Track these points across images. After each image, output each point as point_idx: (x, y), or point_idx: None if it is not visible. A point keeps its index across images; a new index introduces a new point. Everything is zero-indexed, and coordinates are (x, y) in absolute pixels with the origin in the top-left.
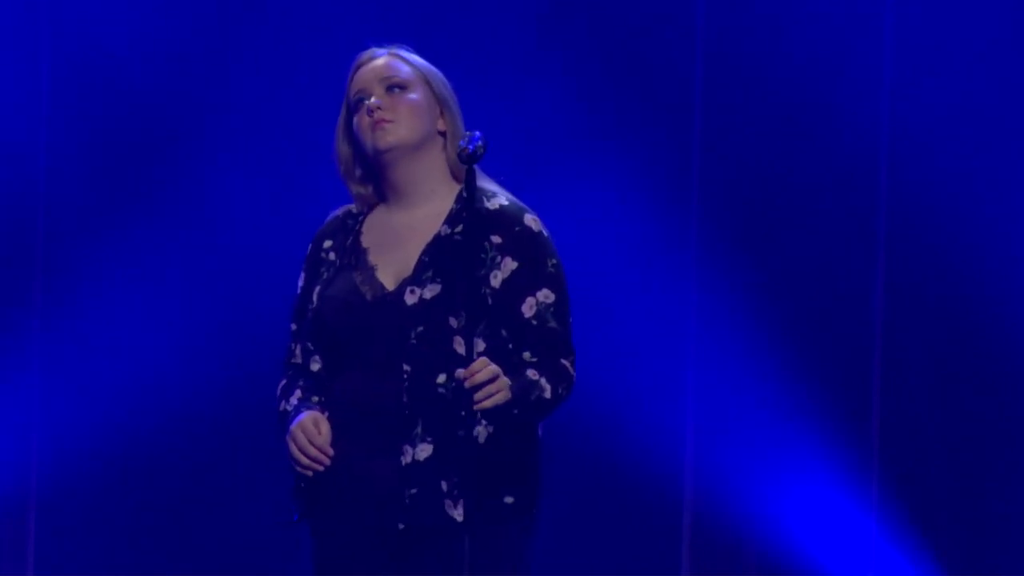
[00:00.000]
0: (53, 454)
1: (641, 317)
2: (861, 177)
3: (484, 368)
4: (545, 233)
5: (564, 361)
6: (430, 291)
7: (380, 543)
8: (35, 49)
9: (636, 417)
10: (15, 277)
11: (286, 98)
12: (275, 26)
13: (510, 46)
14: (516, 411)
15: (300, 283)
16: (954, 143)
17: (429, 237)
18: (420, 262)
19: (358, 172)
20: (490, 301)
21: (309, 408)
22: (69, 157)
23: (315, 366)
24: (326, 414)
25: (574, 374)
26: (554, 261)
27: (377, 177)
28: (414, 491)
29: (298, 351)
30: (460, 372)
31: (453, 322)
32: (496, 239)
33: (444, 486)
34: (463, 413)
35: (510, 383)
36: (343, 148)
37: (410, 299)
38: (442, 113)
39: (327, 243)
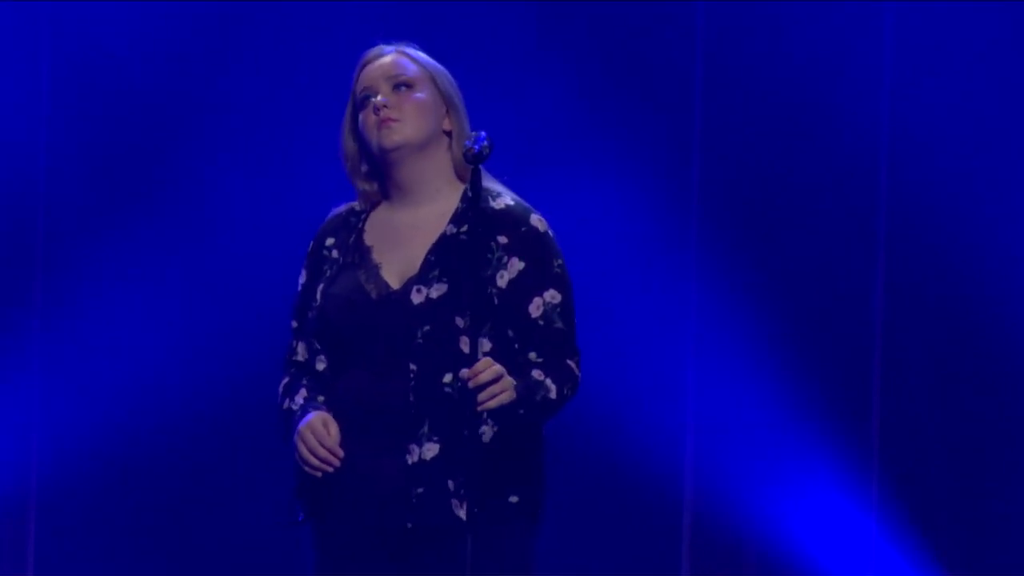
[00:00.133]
0: (53, 454)
1: (641, 317)
2: (861, 177)
3: (488, 368)
4: (551, 233)
5: (570, 362)
6: (436, 290)
7: (385, 542)
8: (35, 49)
9: (636, 417)
10: (15, 277)
11: (286, 98)
12: (275, 26)
13: (510, 46)
14: (521, 411)
15: (301, 280)
16: (954, 143)
17: (434, 236)
18: (426, 261)
19: (363, 169)
20: (496, 301)
21: (316, 408)
22: (69, 157)
23: (320, 365)
24: (330, 414)
25: (579, 375)
26: (560, 261)
27: (382, 175)
28: (420, 490)
29: (300, 349)
30: (464, 372)
31: (459, 322)
32: (502, 239)
33: (451, 485)
34: (469, 413)
35: (515, 383)
36: (349, 145)
37: (416, 298)
38: (448, 112)
39: (329, 240)
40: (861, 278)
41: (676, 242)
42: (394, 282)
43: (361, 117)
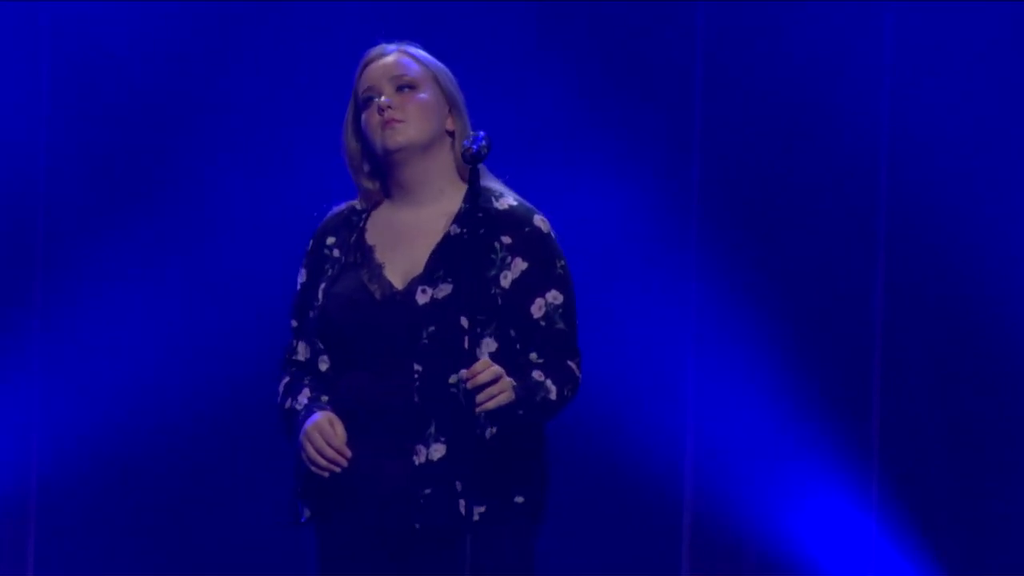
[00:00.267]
0: (53, 454)
1: (641, 317)
2: (861, 177)
3: (486, 369)
4: (553, 234)
5: (570, 363)
6: (441, 291)
7: (389, 543)
8: (35, 49)
9: (636, 417)
10: (15, 277)
11: (286, 98)
12: (275, 26)
13: (510, 46)
14: (521, 412)
15: (300, 279)
16: (954, 143)
17: (437, 236)
18: (431, 262)
19: (366, 168)
20: (500, 301)
21: (321, 408)
22: (69, 157)
23: (323, 365)
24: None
25: (580, 376)
26: (562, 262)
27: (384, 174)
28: (428, 491)
29: (301, 348)
30: (463, 373)
31: (465, 322)
32: (506, 239)
33: (458, 486)
34: (471, 413)
35: (514, 384)
36: (351, 144)
37: (421, 299)
38: (451, 112)
39: (330, 239)
40: (861, 278)
41: (676, 242)
42: (398, 282)
43: (364, 117)
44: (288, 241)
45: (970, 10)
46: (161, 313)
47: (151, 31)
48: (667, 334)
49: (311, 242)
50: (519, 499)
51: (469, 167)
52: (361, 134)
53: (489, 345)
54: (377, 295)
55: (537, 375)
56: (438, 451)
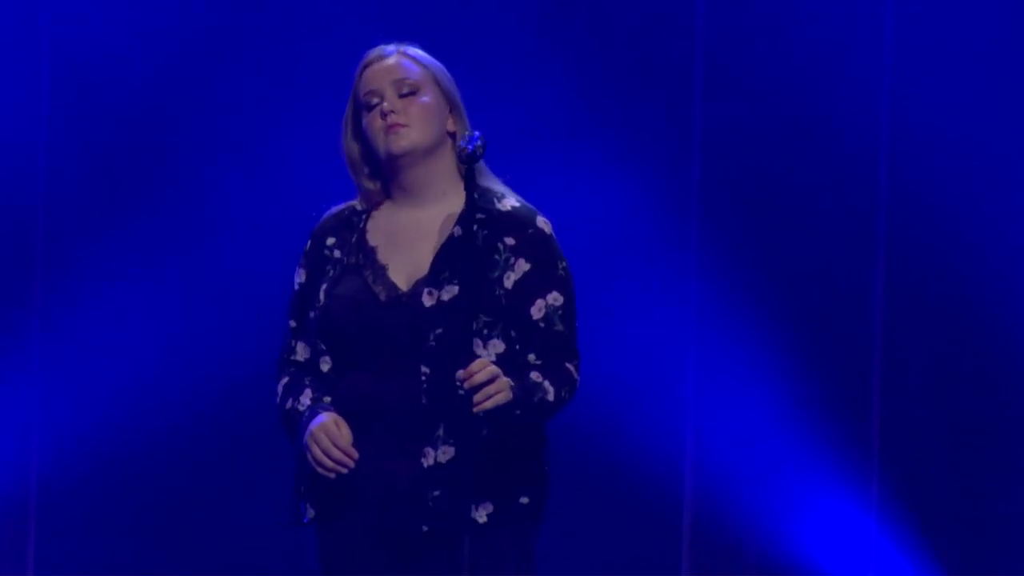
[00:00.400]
0: (53, 454)
1: (641, 317)
2: (861, 177)
3: (483, 369)
4: (554, 236)
5: (569, 365)
6: (448, 293)
7: (393, 544)
8: (35, 49)
9: (636, 417)
10: (15, 277)
11: (286, 98)
12: (275, 25)
13: (510, 46)
14: (519, 412)
15: (299, 280)
16: (954, 143)
17: (440, 238)
18: (436, 263)
19: (367, 169)
20: (504, 302)
21: (325, 409)
22: (69, 157)
23: (324, 366)
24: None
25: (578, 378)
26: (564, 264)
27: (386, 176)
28: (437, 493)
29: (300, 349)
30: (460, 373)
31: (473, 324)
32: (509, 240)
33: (466, 488)
34: (467, 414)
35: (511, 384)
36: (352, 146)
37: (428, 301)
38: (451, 112)
39: (330, 240)
40: (861, 278)
41: (676, 242)
42: (402, 284)
43: (367, 120)
44: (288, 241)
45: (970, 10)
46: (161, 313)
47: (151, 31)
48: (667, 334)
49: (309, 242)
50: (523, 500)
51: (464, 167)
52: (362, 135)
53: (496, 347)
54: (382, 297)
55: (535, 376)
56: (446, 453)
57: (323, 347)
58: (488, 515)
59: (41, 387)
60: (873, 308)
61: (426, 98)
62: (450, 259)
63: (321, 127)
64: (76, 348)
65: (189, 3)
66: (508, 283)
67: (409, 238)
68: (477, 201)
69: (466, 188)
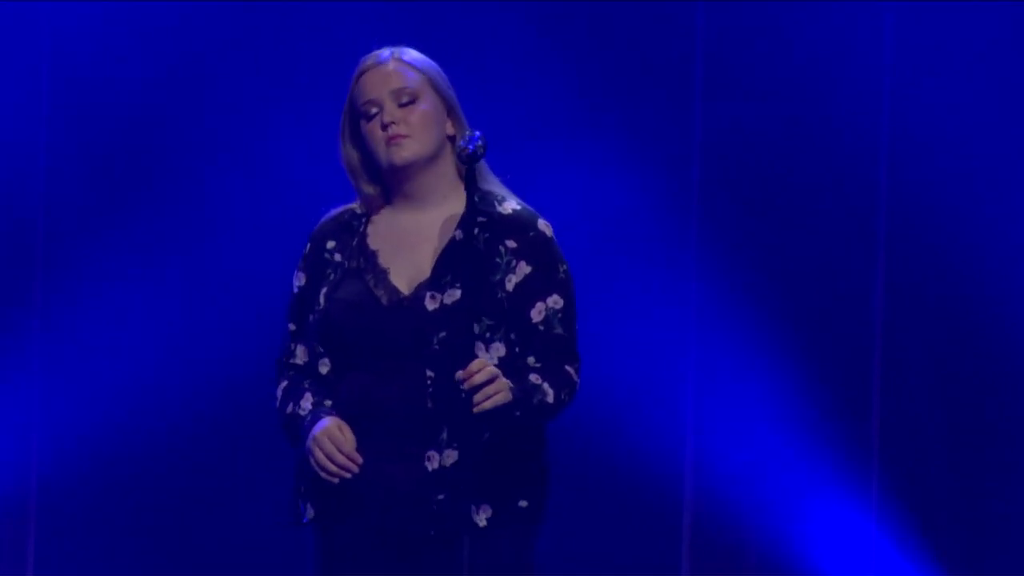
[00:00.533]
0: (53, 454)
1: (641, 317)
2: (861, 177)
3: (482, 369)
4: (555, 239)
5: (568, 367)
6: (450, 296)
7: (391, 545)
8: (35, 49)
9: (636, 417)
10: (15, 277)
11: (286, 98)
12: (275, 25)
13: (510, 46)
14: (518, 413)
15: (298, 283)
16: (954, 143)
17: (442, 241)
18: (437, 267)
19: (366, 175)
20: (506, 305)
21: (327, 413)
22: (69, 157)
23: (323, 369)
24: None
25: (578, 380)
26: (564, 267)
27: (386, 182)
28: (441, 497)
29: (300, 352)
30: (460, 373)
31: (475, 327)
32: (511, 243)
33: (468, 491)
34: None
35: (511, 385)
36: (350, 153)
37: (431, 304)
38: (449, 116)
39: (330, 243)
40: (861, 278)
41: (676, 242)
42: (404, 287)
43: (366, 129)
44: (288, 242)
45: (970, 10)
46: (161, 313)
47: (151, 31)
48: (667, 334)
49: (308, 245)
50: (523, 503)
51: (465, 167)
52: (360, 141)
53: (498, 350)
54: (383, 301)
55: (535, 378)
56: (451, 457)
57: (321, 350)
58: (488, 519)
59: (41, 387)
60: (873, 308)
61: (425, 106)
62: (451, 262)
63: (321, 128)
64: (76, 348)
65: (189, 4)
66: (509, 286)
67: (410, 242)
68: (478, 204)
69: (467, 190)
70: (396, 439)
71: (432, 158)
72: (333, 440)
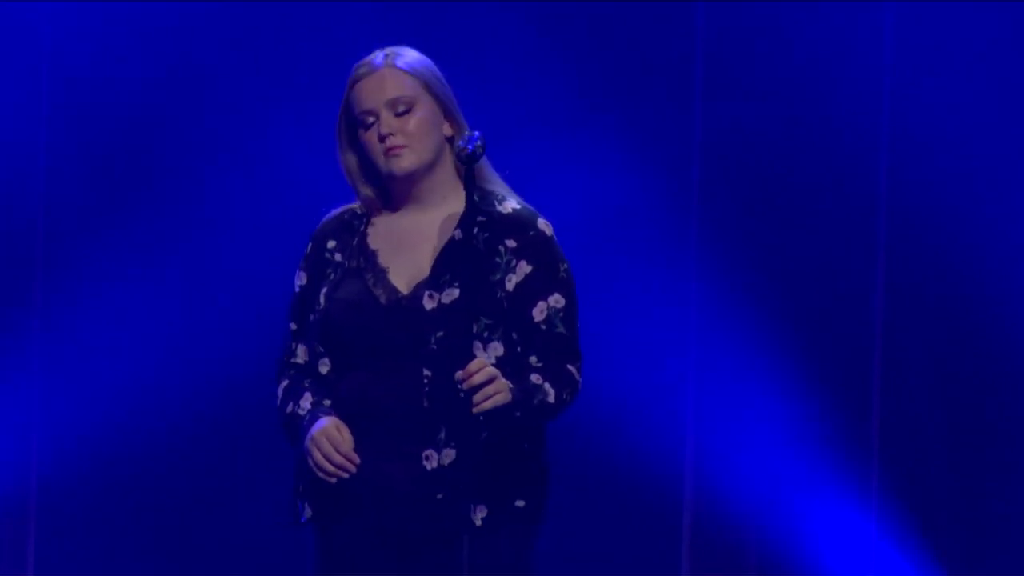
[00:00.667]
0: (53, 454)
1: (641, 317)
2: (861, 177)
3: (481, 369)
4: (556, 238)
5: (570, 366)
6: (448, 296)
7: (390, 545)
8: (35, 49)
9: (636, 417)
10: (15, 277)
11: (286, 98)
12: (275, 25)
13: (510, 46)
14: (519, 414)
15: (299, 282)
16: (954, 143)
17: (441, 241)
18: (436, 266)
19: (364, 178)
20: (505, 305)
21: (325, 413)
22: (69, 157)
23: (323, 368)
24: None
25: (580, 380)
26: (565, 266)
27: (385, 186)
28: (440, 496)
29: (300, 351)
30: (459, 374)
31: (473, 327)
32: (511, 243)
33: (467, 491)
34: (468, 415)
35: (510, 385)
36: (349, 158)
37: (429, 304)
38: (447, 117)
39: (331, 243)
40: (861, 278)
41: (676, 242)
42: (403, 287)
43: (363, 138)
44: (287, 242)
45: (970, 10)
46: (161, 313)
47: (151, 32)
48: (667, 334)
49: (309, 245)
50: (520, 503)
51: (464, 167)
52: (358, 146)
53: (496, 349)
54: (382, 300)
55: (535, 378)
56: (448, 456)
57: (321, 350)
58: (483, 518)
59: (41, 387)
60: (873, 308)
61: (421, 113)
62: (451, 262)
63: (321, 128)
64: (76, 348)
65: (189, 4)
66: (509, 285)
67: (410, 241)
68: (478, 204)
69: (466, 187)
70: (395, 438)
71: (431, 164)
72: (331, 440)
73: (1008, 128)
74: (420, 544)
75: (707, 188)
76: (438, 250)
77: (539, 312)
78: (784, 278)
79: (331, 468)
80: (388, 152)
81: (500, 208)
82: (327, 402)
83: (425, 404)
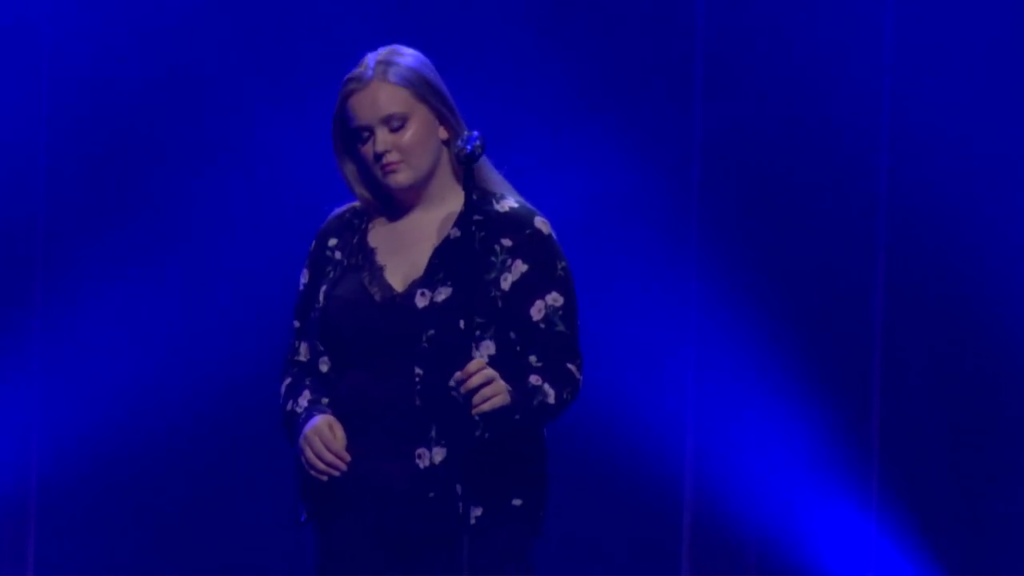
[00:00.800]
0: (53, 454)
1: (641, 317)
2: (861, 177)
3: (479, 371)
4: (554, 236)
5: (570, 365)
6: (441, 294)
7: (389, 544)
8: (35, 49)
9: (636, 417)
10: (15, 277)
11: (286, 98)
12: (275, 25)
13: (510, 45)
14: (518, 416)
15: (303, 280)
16: (954, 143)
17: (438, 238)
18: (431, 265)
19: (363, 182)
20: (499, 304)
21: (320, 411)
22: (69, 157)
23: (323, 366)
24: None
25: (580, 378)
26: (563, 264)
27: (384, 190)
28: (432, 494)
29: (303, 349)
30: (457, 375)
31: (463, 325)
32: (506, 242)
33: (459, 489)
34: (466, 416)
35: (508, 387)
36: (346, 164)
37: (421, 302)
38: (442, 123)
39: (332, 241)
40: (861, 278)
41: (676, 242)
42: (398, 285)
43: (361, 150)
44: (288, 241)
45: (970, 9)
46: (161, 313)
47: (151, 32)
48: (667, 334)
49: (313, 243)
50: (516, 502)
51: (463, 167)
52: (356, 155)
53: (488, 348)
54: (377, 297)
55: (535, 379)
56: (439, 454)
57: (322, 348)
58: (477, 517)
59: (41, 387)
60: (873, 308)
61: (416, 126)
62: (446, 260)
63: (321, 128)
64: (76, 348)
65: (189, 4)
66: (505, 285)
67: (408, 240)
68: (476, 202)
69: (465, 188)
70: (390, 437)
71: (429, 174)
72: (322, 438)
73: (1008, 128)
74: (418, 543)
75: (707, 188)
76: (435, 248)
77: (537, 311)
78: (784, 278)
79: (321, 466)
80: (385, 168)
81: (497, 207)
82: (324, 400)
83: (417, 403)
